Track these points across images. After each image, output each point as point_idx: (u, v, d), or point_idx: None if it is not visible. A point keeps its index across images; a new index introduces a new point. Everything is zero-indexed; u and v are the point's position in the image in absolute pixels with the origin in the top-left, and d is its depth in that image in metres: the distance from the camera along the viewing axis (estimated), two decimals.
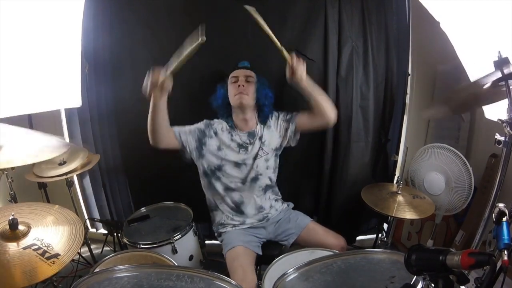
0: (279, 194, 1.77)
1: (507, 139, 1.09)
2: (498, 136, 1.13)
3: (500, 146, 1.12)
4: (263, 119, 1.66)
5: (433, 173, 1.74)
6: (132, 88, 1.87)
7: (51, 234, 1.17)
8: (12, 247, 1.10)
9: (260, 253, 1.57)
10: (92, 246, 2.07)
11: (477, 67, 1.47)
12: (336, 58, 1.82)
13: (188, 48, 1.26)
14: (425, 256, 0.70)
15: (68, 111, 2.13)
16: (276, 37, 1.37)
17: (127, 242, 1.55)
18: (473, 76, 1.55)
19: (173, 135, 1.53)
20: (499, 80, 1.07)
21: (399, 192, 1.68)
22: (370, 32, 1.81)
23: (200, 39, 1.20)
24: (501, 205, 0.75)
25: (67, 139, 2.15)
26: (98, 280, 0.92)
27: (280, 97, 1.74)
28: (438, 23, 1.66)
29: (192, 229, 1.62)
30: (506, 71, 1.02)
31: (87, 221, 2.29)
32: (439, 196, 1.73)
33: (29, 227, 1.17)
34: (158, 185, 1.99)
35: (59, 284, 1.31)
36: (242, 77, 1.58)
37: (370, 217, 2.19)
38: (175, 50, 1.32)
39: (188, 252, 1.59)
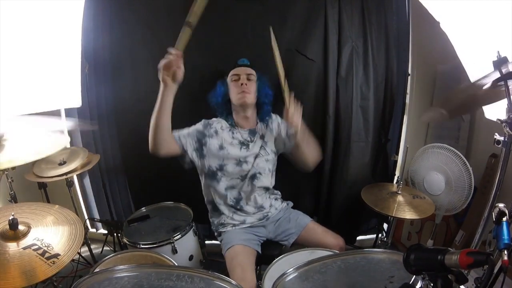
0: (279, 193, 1.77)
1: (506, 139, 1.10)
2: (497, 136, 1.13)
3: (500, 146, 1.12)
4: (262, 117, 1.66)
5: (433, 173, 1.74)
6: (132, 88, 1.87)
7: (51, 234, 1.18)
8: (12, 247, 1.10)
9: (260, 251, 1.57)
10: (92, 246, 2.07)
11: (477, 67, 1.47)
12: (336, 58, 1.82)
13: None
14: (423, 256, 0.70)
15: (68, 111, 2.12)
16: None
17: (127, 242, 1.55)
18: (473, 76, 1.55)
19: (173, 140, 1.49)
20: (498, 80, 1.07)
21: (399, 192, 1.69)
22: (370, 32, 1.81)
23: None
24: (501, 205, 0.76)
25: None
26: (98, 280, 0.92)
27: (280, 97, 1.74)
28: (438, 23, 1.66)
29: (192, 229, 1.62)
30: (504, 70, 1.02)
31: (87, 221, 2.29)
32: (439, 196, 1.73)
33: (29, 227, 1.18)
34: (158, 185, 1.99)
35: (59, 284, 1.31)
36: (243, 75, 1.57)
37: (370, 217, 2.19)
38: None
39: (188, 252, 1.59)
